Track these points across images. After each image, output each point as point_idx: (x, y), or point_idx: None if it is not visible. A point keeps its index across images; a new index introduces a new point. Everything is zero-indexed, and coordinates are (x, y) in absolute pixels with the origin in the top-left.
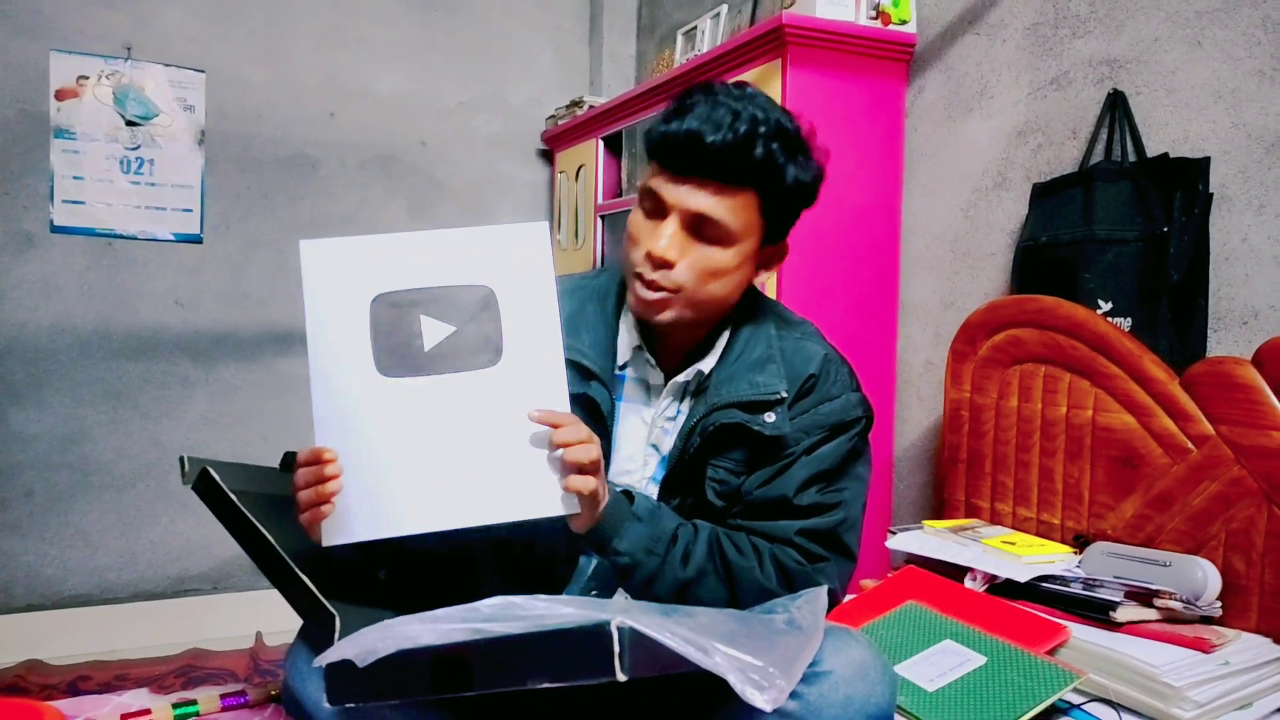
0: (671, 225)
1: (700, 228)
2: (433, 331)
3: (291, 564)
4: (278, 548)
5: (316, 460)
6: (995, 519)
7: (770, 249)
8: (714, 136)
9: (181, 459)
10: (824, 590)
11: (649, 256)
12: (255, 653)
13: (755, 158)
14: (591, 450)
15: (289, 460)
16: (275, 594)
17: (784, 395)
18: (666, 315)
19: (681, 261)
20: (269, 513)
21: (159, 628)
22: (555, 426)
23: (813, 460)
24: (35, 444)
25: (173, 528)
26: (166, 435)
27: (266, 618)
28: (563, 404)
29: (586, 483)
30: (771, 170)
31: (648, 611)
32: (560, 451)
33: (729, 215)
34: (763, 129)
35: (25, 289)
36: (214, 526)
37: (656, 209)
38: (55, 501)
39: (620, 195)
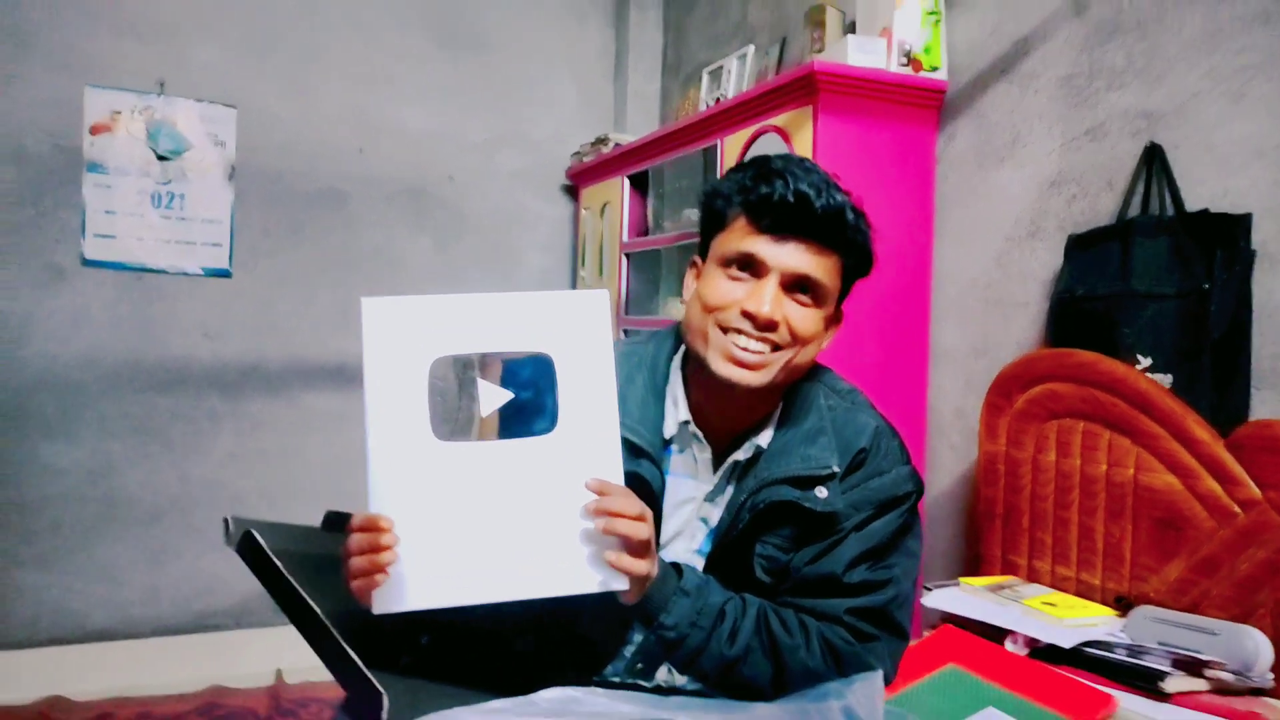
0: (772, 285)
1: (798, 289)
2: (489, 397)
3: (338, 636)
4: (324, 619)
5: (373, 527)
6: (1033, 576)
7: (833, 317)
8: (819, 200)
9: (225, 520)
10: (879, 675)
11: (749, 316)
12: (276, 691)
13: (848, 222)
14: (644, 529)
15: (330, 519)
16: (296, 632)
17: (836, 470)
18: (760, 378)
19: (782, 323)
20: (311, 574)
21: (181, 663)
22: (609, 496)
23: (863, 537)
24: (64, 477)
25: (197, 563)
26: (194, 469)
27: (288, 655)
28: (617, 475)
29: (637, 565)
30: (859, 236)
31: (707, 709)
32: (613, 523)
33: (826, 277)
34: (849, 198)
35: (56, 322)
36: (237, 562)
37: (751, 270)
38: (82, 535)
39: (646, 234)
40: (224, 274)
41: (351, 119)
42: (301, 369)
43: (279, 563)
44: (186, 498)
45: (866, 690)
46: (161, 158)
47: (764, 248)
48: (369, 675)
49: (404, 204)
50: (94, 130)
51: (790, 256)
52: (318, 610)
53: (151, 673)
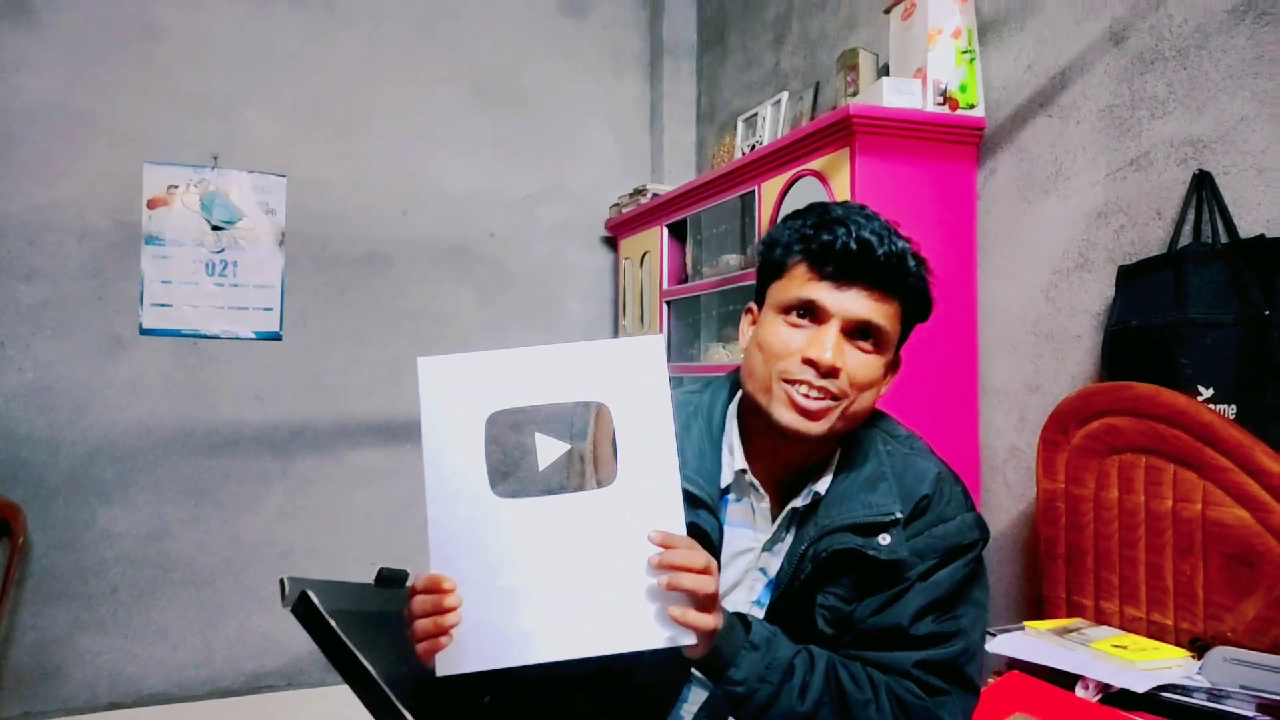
0: (833, 332)
1: (859, 335)
2: (547, 450)
3: (393, 699)
4: (379, 680)
5: (436, 589)
6: (1100, 618)
7: (892, 363)
8: (882, 248)
9: (282, 581)
10: None
11: (812, 363)
12: None
13: (910, 269)
14: (710, 583)
15: (384, 576)
16: (347, 690)
17: (899, 516)
18: (822, 426)
19: (844, 370)
20: (365, 632)
21: None
22: (672, 549)
23: (928, 587)
24: (121, 541)
25: (249, 623)
26: (245, 529)
27: (339, 714)
28: (679, 525)
29: (704, 620)
30: (920, 282)
31: None
32: (678, 578)
33: (887, 323)
34: (909, 245)
35: (115, 390)
36: (289, 622)
37: (812, 316)
38: (138, 599)
39: (685, 281)
40: (274, 337)
41: (395, 182)
42: (349, 427)
43: (334, 624)
44: (238, 558)
45: None
46: (215, 228)
47: (826, 294)
48: None
49: (447, 262)
50: (151, 204)
51: (852, 303)
52: (373, 672)
53: None
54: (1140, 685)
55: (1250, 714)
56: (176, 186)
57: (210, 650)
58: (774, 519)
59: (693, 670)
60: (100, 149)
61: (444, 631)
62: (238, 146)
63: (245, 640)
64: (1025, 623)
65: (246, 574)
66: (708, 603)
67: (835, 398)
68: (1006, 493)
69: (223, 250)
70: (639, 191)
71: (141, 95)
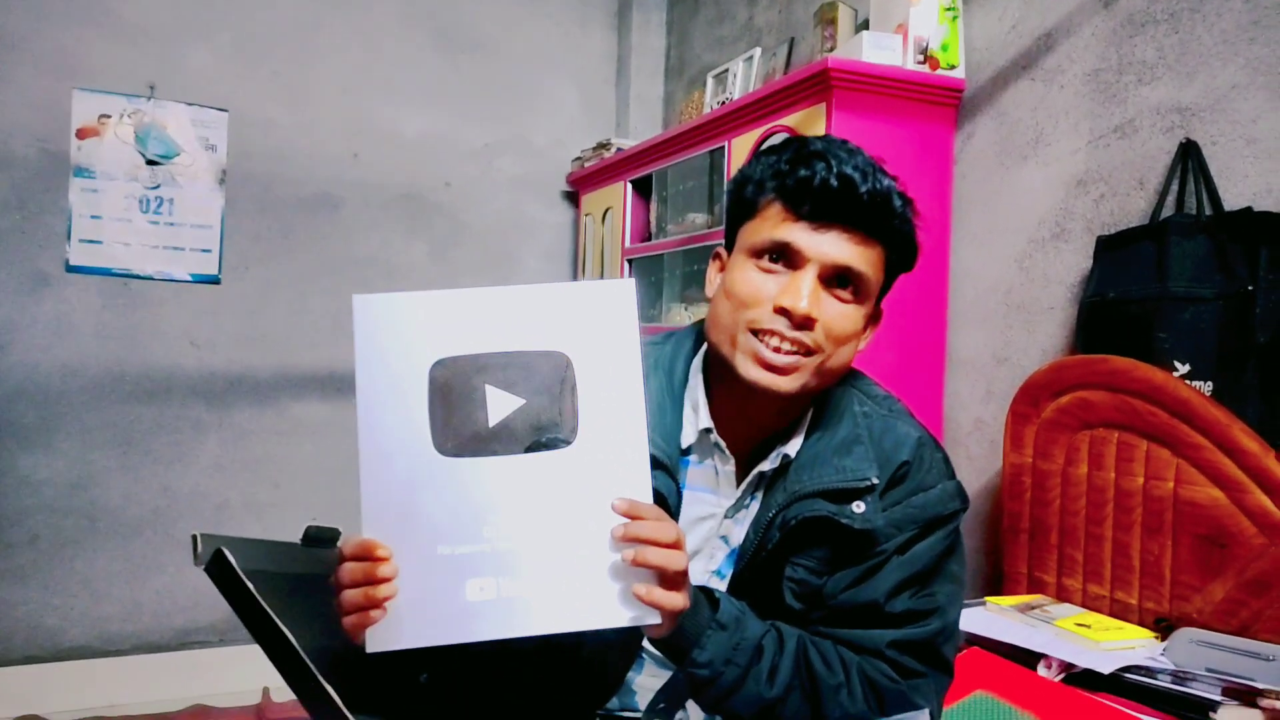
0: (809, 278)
1: (837, 283)
2: (499, 404)
3: (315, 671)
4: (299, 650)
5: (367, 555)
6: (1063, 595)
7: (872, 315)
8: (865, 185)
9: (194, 537)
10: (924, 716)
11: (785, 312)
12: (262, 709)
13: (895, 209)
14: (680, 559)
15: (312, 535)
16: None
17: (875, 482)
18: (792, 384)
19: (820, 321)
20: (289, 597)
21: (162, 681)
22: (639, 520)
23: (906, 561)
24: (43, 489)
25: (179, 576)
26: (177, 480)
27: (274, 673)
28: (646, 493)
29: (672, 600)
30: (905, 225)
31: None
32: (644, 552)
33: (869, 269)
34: (895, 183)
35: (38, 329)
36: None
37: (786, 260)
38: (61, 548)
39: (649, 239)
40: (213, 280)
41: (346, 123)
42: (291, 378)
43: (251, 585)
44: (170, 510)
45: None
46: (151, 162)
47: (801, 236)
48: (346, 715)
49: (399, 210)
50: (81, 134)
51: (831, 246)
52: (293, 640)
53: (132, 691)
54: (1105, 665)
55: (1216, 697)
56: (109, 116)
57: (138, 604)
58: (739, 483)
59: (646, 644)
60: (25, 73)
61: (376, 604)
62: (177, 78)
63: (175, 595)
64: (986, 598)
65: (178, 526)
66: (676, 580)
67: (809, 351)
68: (969, 465)
69: (158, 186)
70: (603, 145)
71: (72, 18)
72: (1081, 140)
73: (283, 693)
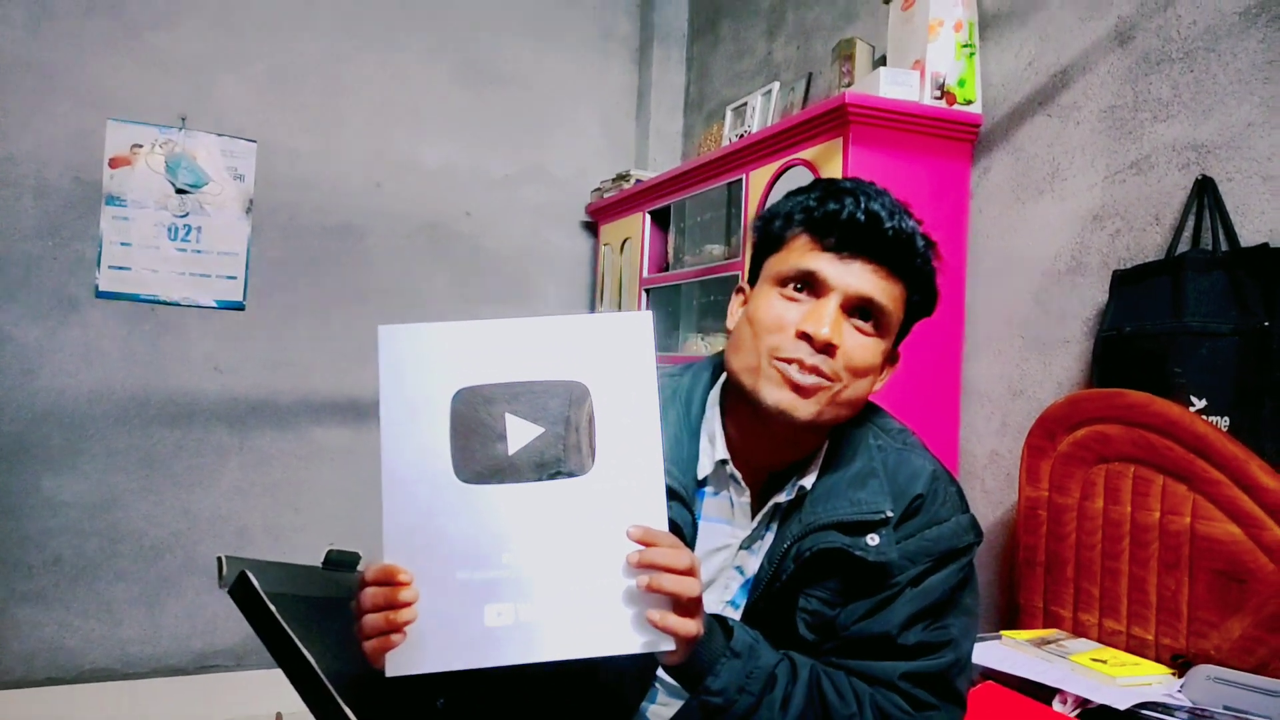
0: (832, 306)
1: (859, 314)
2: (518, 433)
3: (334, 693)
4: (320, 673)
5: (388, 580)
6: (1079, 630)
7: (890, 354)
8: (891, 222)
9: (219, 560)
10: None
11: (808, 338)
12: None
13: (919, 249)
14: (694, 586)
15: (333, 559)
16: None
17: (889, 515)
18: (811, 407)
19: (840, 349)
20: (309, 620)
21: (180, 705)
22: (654, 547)
23: (919, 594)
24: (66, 511)
25: (198, 600)
26: (198, 504)
27: (289, 697)
28: (661, 520)
29: (686, 626)
30: (927, 265)
31: None
32: (659, 579)
33: (890, 303)
34: (919, 226)
35: (67, 355)
36: None
37: (810, 289)
38: (82, 570)
39: (666, 269)
40: (237, 307)
41: (371, 154)
42: (312, 403)
43: (274, 608)
44: (190, 533)
45: None
46: (180, 190)
47: (826, 266)
48: None
49: (422, 239)
50: (114, 163)
51: (855, 277)
52: (313, 662)
53: (149, 714)
54: (1121, 702)
55: None
56: (141, 146)
57: (157, 626)
58: (754, 515)
59: (662, 673)
60: (62, 104)
61: (396, 628)
62: (207, 109)
63: (194, 618)
64: (1002, 632)
65: (198, 550)
66: (690, 607)
67: (828, 380)
68: (984, 499)
69: (187, 214)
70: (622, 177)
71: (108, 51)
72: (1098, 176)
73: (297, 717)
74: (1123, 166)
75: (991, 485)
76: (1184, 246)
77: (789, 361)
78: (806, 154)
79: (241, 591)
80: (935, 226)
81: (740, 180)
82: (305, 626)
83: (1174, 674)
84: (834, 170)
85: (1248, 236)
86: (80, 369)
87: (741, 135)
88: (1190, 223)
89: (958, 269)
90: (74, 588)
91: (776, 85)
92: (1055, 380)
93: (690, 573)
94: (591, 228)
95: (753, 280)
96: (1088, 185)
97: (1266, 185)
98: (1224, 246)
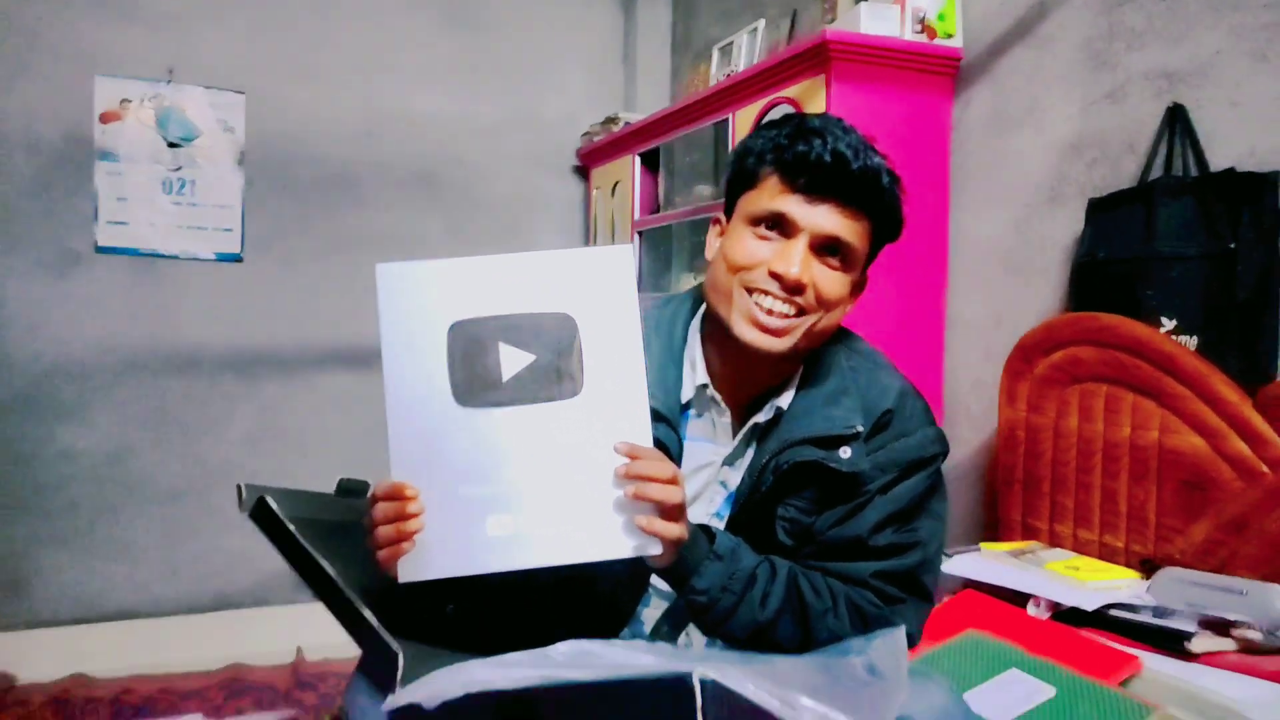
0: (801, 246)
1: (827, 251)
2: (511, 360)
3: (354, 598)
4: (339, 581)
5: (397, 495)
6: (1054, 541)
7: (859, 282)
8: (857, 162)
9: (239, 487)
10: (901, 632)
11: (777, 277)
12: (296, 667)
13: (883, 186)
14: (676, 493)
15: (344, 487)
16: (316, 609)
17: (860, 430)
18: (785, 343)
19: (810, 285)
20: (327, 540)
21: (202, 641)
22: (639, 460)
23: (888, 500)
24: (82, 459)
25: (215, 543)
26: (209, 452)
27: (307, 632)
28: (646, 437)
29: (670, 530)
30: (892, 201)
31: (727, 660)
32: (644, 488)
33: (856, 240)
34: (884, 161)
35: (71, 308)
36: (256, 542)
37: (780, 229)
38: (100, 515)
39: (657, 211)
40: (235, 259)
41: (360, 103)
42: (315, 351)
43: (292, 528)
44: (203, 479)
45: (888, 646)
46: (171, 144)
47: (796, 208)
48: (384, 634)
49: (414, 187)
50: (104, 118)
51: (822, 218)
52: (331, 572)
53: (172, 650)
54: (1089, 603)
55: (1192, 629)
56: (130, 101)
57: (175, 568)
58: (735, 434)
59: (653, 580)
60: (47, 61)
61: (406, 538)
62: (194, 62)
63: (212, 559)
64: (981, 544)
65: (212, 495)
66: (674, 513)
67: (801, 312)
68: (968, 424)
69: (180, 168)
70: (611, 120)
71: (92, 6)
72: (1074, 106)
73: (314, 651)
74: (1099, 97)
75: (975, 411)
76: (1157, 173)
77: (760, 292)
78: (790, 92)
79: (261, 515)
80: (918, 161)
81: (726, 120)
82: (323, 547)
83: (1142, 577)
84: (818, 108)
85: (1217, 162)
86: (85, 323)
87: (729, 75)
88: (1163, 150)
89: (941, 203)
90: (93, 532)
91: (762, 23)
92: (1035, 308)
93: (673, 482)
94: (582, 172)
95: (728, 211)
96: (1065, 116)
97: (1234, 111)
98: (1194, 173)
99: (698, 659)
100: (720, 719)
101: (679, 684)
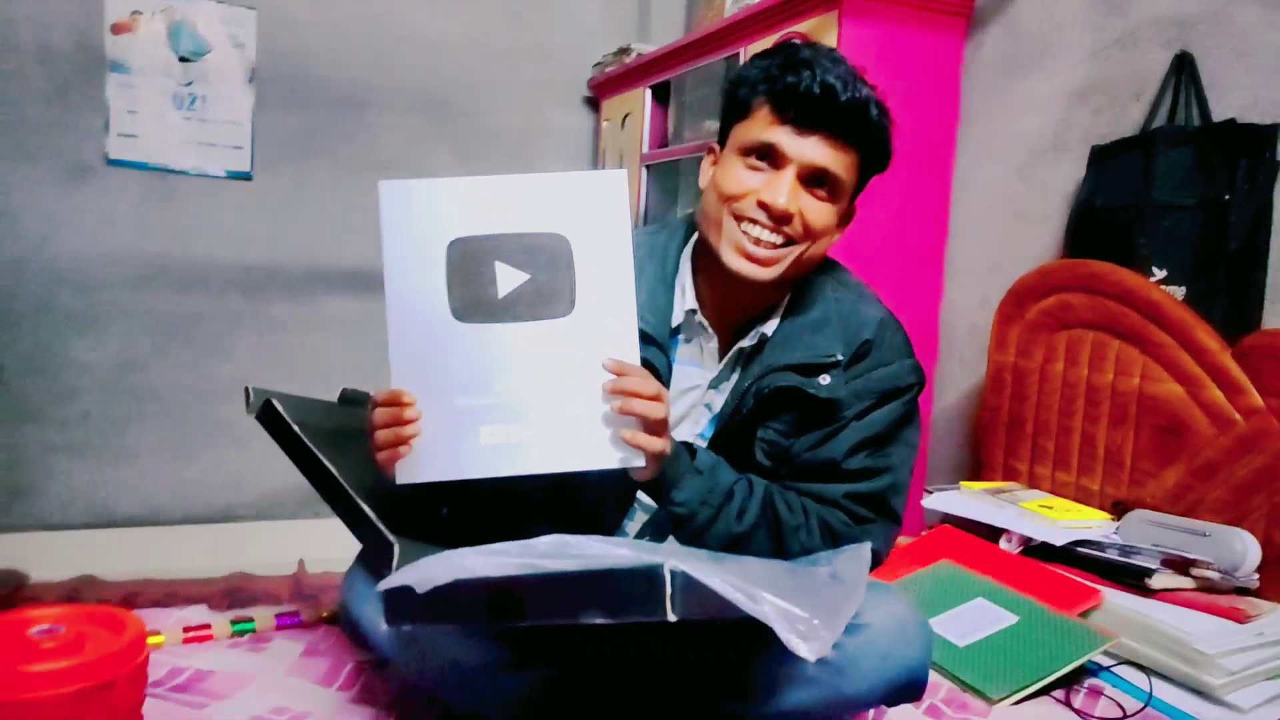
0: (790, 177)
1: (815, 182)
2: (507, 278)
3: (352, 493)
4: (339, 477)
5: (395, 402)
6: (1033, 482)
7: (846, 213)
8: (845, 94)
9: (247, 390)
10: (866, 547)
11: (765, 207)
12: (298, 578)
13: (871, 118)
14: (660, 409)
15: (346, 396)
16: (318, 524)
17: (839, 358)
18: (772, 272)
19: (798, 215)
20: (330, 444)
21: (206, 550)
22: (625, 376)
23: (863, 425)
24: (94, 370)
25: (221, 457)
26: (216, 368)
27: (309, 547)
28: (634, 356)
29: (654, 443)
30: (880, 133)
31: (699, 558)
32: (630, 403)
33: (844, 171)
34: (873, 93)
35: (83, 219)
36: (261, 458)
37: (770, 160)
38: (111, 425)
39: (666, 145)
40: (245, 177)
41: (372, 24)
42: (322, 273)
43: (296, 428)
44: (211, 395)
45: (853, 558)
46: (182, 59)
47: (785, 139)
48: (381, 526)
49: (423, 113)
50: (115, 29)
51: (811, 149)
52: (331, 468)
53: (178, 558)
54: (1058, 539)
55: (1154, 566)
56: (141, 12)
57: (182, 480)
58: (721, 358)
59: (638, 495)
60: None
61: (403, 441)
62: None
63: (217, 473)
64: (961, 483)
65: (219, 411)
66: (657, 427)
67: (789, 241)
68: (960, 368)
69: (190, 83)
70: (623, 51)
71: None
72: (1085, 51)
73: (316, 564)
74: (1109, 42)
75: (968, 355)
76: (1160, 122)
77: (749, 221)
78: (802, 27)
79: (268, 417)
80: (927, 102)
81: (738, 55)
82: (326, 450)
83: (1113, 519)
84: (829, 44)
85: (1221, 112)
86: (96, 235)
87: (744, 9)
88: (1168, 99)
89: (948, 146)
90: (104, 441)
91: None
92: (1034, 255)
93: (657, 398)
94: (593, 103)
95: (722, 140)
96: (1074, 61)
97: (1241, 61)
98: (1197, 122)
99: (671, 554)
100: (688, 608)
101: (651, 574)
